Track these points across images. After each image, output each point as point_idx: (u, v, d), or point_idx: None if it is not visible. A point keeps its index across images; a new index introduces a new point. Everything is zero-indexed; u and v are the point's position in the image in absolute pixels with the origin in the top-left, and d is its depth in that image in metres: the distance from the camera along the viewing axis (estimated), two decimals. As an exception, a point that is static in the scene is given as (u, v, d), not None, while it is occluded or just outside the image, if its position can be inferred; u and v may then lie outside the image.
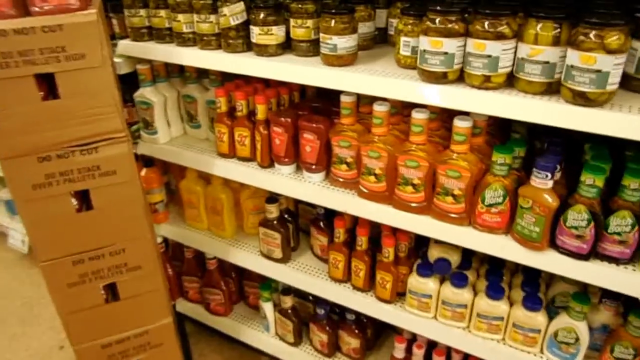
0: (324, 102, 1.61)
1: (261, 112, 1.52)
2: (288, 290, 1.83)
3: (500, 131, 1.41)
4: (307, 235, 1.87)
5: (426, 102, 1.17)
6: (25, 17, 1.20)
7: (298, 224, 1.82)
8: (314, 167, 1.49)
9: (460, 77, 1.14)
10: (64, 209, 1.36)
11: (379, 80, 1.21)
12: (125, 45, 1.65)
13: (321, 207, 1.66)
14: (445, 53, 1.10)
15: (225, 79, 1.72)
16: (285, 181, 1.54)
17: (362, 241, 1.52)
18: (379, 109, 1.28)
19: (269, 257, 1.76)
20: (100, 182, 1.36)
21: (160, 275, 1.58)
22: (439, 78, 1.14)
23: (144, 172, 1.91)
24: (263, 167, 1.60)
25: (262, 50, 1.40)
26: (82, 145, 1.31)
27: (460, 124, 1.17)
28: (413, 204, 1.32)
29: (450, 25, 1.09)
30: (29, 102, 1.24)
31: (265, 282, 1.90)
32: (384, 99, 1.28)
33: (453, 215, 1.27)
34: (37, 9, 1.21)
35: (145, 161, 1.90)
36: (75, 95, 1.26)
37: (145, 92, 1.72)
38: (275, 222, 1.69)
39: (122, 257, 1.48)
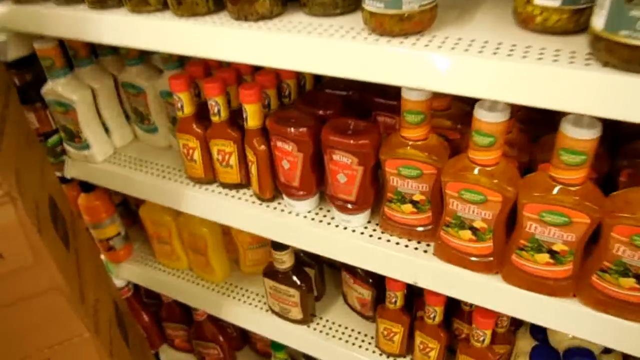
0: (355, 88, 0.96)
1: (253, 116, 0.88)
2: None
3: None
4: (334, 268, 1.30)
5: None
6: None
7: (322, 265, 1.23)
8: (351, 206, 0.88)
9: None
10: None
11: (526, 71, 0.57)
12: (6, 14, 0.96)
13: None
14: (692, 4, 0.46)
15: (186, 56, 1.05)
16: (302, 226, 0.93)
17: (436, 313, 0.95)
18: (491, 119, 0.65)
19: (282, 316, 1.19)
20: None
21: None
22: (655, 61, 0.50)
23: (82, 199, 1.29)
24: (263, 199, 0.98)
25: (246, 11, 0.73)
26: None
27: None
28: (548, 281, 0.73)
29: None
30: None
31: (279, 339, 1.35)
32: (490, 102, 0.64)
33: (629, 305, 0.69)
34: None
35: (84, 182, 1.27)
36: None
37: (57, 87, 1.05)
38: (289, 273, 1.11)
39: (47, 376, 0.90)
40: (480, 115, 0.65)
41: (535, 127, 0.81)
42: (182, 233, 1.27)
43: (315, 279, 1.19)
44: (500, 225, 0.74)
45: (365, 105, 0.94)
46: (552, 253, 0.70)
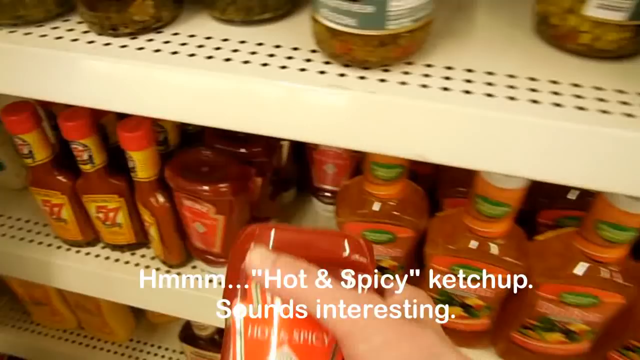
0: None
1: (144, 166, 0.60)
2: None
3: None
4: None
5: None
6: None
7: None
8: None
9: None
10: None
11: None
12: None
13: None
14: None
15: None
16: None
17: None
18: (510, 185, 0.45)
19: (211, 384, 0.96)
20: None
21: None
22: None
23: None
24: (171, 265, 0.72)
25: (115, 19, 0.44)
26: None
27: None
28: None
29: None
30: None
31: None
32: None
33: None
34: None
35: None
36: None
37: None
38: (214, 338, 0.87)
39: None
40: (495, 180, 0.45)
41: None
42: (65, 292, 0.96)
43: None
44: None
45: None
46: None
